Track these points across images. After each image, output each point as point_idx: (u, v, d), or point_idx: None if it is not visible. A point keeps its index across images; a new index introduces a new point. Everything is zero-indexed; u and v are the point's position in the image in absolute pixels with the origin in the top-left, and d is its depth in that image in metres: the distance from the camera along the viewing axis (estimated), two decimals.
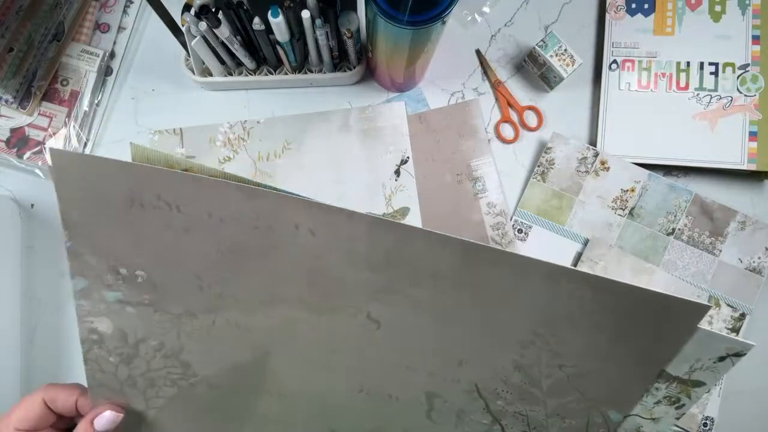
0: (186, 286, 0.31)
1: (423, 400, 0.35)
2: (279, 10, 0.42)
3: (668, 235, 0.52)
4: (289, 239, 0.29)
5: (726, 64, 0.53)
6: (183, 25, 0.47)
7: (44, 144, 0.53)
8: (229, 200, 0.28)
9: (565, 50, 0.52)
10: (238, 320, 0.32)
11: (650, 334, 0.31)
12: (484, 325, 0.32)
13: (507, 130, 0.55)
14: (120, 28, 0.57)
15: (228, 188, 0.28)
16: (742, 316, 0.51)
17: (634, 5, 0.55)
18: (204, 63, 0.52)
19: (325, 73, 0.53)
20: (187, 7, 0.45)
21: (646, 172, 0.52)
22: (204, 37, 0.47)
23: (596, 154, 0.53)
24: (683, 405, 0.34)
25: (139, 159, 0.28)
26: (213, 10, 0.44)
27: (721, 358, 0.32)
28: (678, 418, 0.34)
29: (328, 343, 0.33)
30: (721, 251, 0.52)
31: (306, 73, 0.54)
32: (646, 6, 0.55)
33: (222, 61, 0.52)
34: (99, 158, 0.27)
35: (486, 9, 0.57)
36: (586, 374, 0.33)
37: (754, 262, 0.51)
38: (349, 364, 0.34)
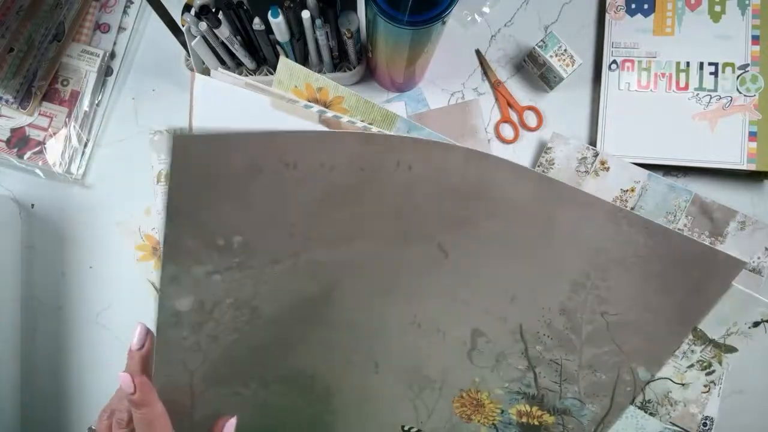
0: (278, 237, 0.30)
1: (468, 339, 0.35)
2: (279, 10, 0.42)
3: None
4: (388, 177, 0.30)
5: (726, 64, 0.53)
6: (183, 26, 0.47)
7: (44, 144, 0.53)
8: (345, 148, 0.28)
9: (565, 50, 0.52)
10: (319, 258, 0.32)
11: (690, 286, 0.32)
12: (542, 262, 0.33)
13: (507, 130, 0.55)
14: (120, 29, 0.57)
15: (347, 137, 0.28)
16: None
17: (633, 5, 0.55)
18: (204, 63, 0.52)
19: (325, 73, 0.53)
20: (187, 8, 0.45)
21: (646, 172, 0.52)
22: (204, 37, 0.47)
23: (596, 154, 0.53)
24: (713, 371, 0.35)
25: (284, 72, 0.29)
26: (213, 10, 0.44)
27: (756, 324, 0.33)
28: (706, 386, 0.35)
29: (395, 271, 0.33)
30: None
31: None
32: (645, 6, 0.55)
33: (222, 61, 0.52)
34: (223, 134, 0.26)
35: (486, 9, 0.57)
36: (625, 324, 0.34)
37: (753, 262, 0.51)
38: (408, 292, 0.34)
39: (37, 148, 0.53)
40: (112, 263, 0.54)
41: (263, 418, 0.37)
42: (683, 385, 0.35)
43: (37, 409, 0.52)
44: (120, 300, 0.53)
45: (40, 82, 0.54)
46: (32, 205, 0.54)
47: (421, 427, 0.38)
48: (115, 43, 0.56)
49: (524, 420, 0.37)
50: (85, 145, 0.55)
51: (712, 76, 0.53)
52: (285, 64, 0.29)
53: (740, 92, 0.52)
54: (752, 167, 0.51)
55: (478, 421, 0.37)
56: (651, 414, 0.36)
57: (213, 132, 0.25)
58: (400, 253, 0.33)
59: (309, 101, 0.36)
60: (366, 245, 0.32)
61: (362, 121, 0.36)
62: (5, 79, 0.51)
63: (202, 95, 0.31)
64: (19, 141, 0.53)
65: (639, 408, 0.36)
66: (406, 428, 0.38)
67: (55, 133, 0.54)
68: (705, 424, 0.51)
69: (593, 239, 0.32)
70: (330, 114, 0.34)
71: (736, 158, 0.52)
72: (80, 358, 0.53)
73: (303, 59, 0.52)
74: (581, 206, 0.31)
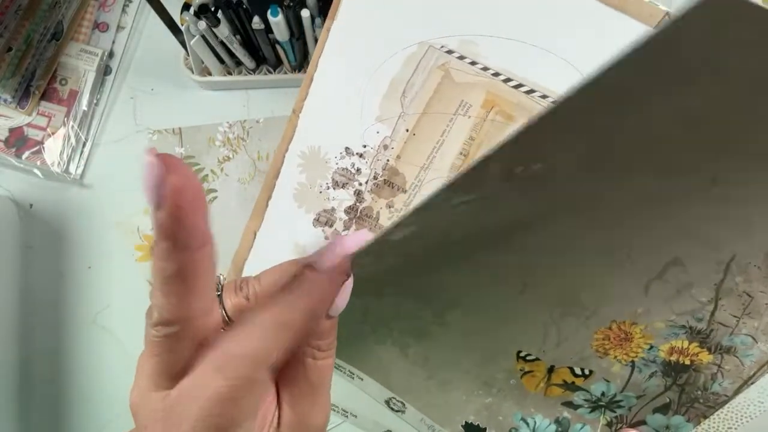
0: (584, 171, 0.21)
1: (658, 268, 0.28)
2: (279, 9, 0.42)
3: None
4: None
5: None
6: (182, 24, 0.47)
7: (43, 144, 0.53)
8: None
9: None
10: (579, 189, 0.23)
11: None
12: None
13: None
14: (119, 28, 0.57)
15: None
16: None
17: None
18: (203, 62, 0.52)
19: None
20: (186, 6, 0.45)
21: None
22: (203, 37, 0.47)
23: None
24: None
25: None
26: (212, 9, 0.44)
27: None
28: None
29: (634, 206, 0.25)
30: None
31: (306, 72, 0.53)
32: None
33: (221, 61, 0.52)
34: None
35: None
36: None
37: None
38: (622, 223, 0.26)
39: (35, 148, 0.53)
40: (110, 263, 0.53)
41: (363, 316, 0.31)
42: None
43: (35, 409, 0.52)
44: (119, 300, 0.53)
45: (38, 81, 0.53)
46: (30, 204, 0.54)
47: (541, 356, 0.32)
48: (113, 43, 0.56)
49: (673, 358, 0.31)
50: (84, 145, 0.54)
51: None
52: None
53: None
54: None
55: (615, 357, 0.31)
56: None
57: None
58: (663, 185, 0.24)
59: None
60: (645, 178, 0.23)
61: None
62: (3, 79, 0.51)
63: None
64: (17, 140, 0.53)
65: None
66: (522, 354, 0.32)
67: (53, 133, 0.54)
68: None
69: None
70: None
71: None
72: (78, 358, 0.52)
73: (303, 58, 0.52)
74: None
